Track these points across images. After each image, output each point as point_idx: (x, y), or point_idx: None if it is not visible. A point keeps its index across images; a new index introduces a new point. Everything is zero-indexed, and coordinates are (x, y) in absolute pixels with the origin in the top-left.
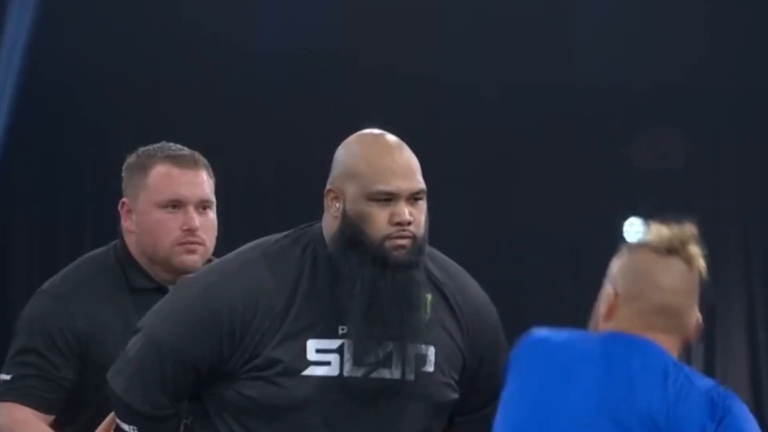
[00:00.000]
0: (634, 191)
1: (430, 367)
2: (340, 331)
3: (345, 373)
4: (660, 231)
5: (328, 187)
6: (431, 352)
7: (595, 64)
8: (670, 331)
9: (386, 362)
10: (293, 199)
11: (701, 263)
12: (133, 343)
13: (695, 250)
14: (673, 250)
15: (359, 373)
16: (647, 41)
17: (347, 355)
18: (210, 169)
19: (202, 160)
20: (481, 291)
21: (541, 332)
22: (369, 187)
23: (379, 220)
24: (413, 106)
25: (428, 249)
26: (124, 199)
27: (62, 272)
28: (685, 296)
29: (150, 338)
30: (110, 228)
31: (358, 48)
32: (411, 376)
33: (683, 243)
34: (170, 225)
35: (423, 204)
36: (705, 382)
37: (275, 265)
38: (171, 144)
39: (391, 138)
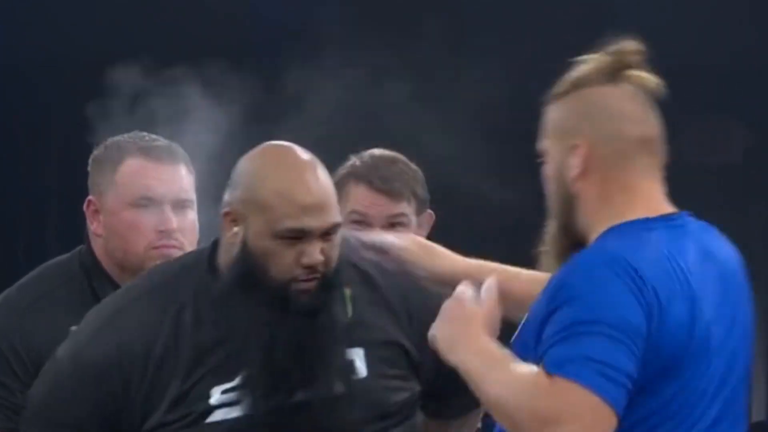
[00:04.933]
0: (686, 188)
1: (362, 373)
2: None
3: (260, 408)
4: (598, 60)
5: (226, 208)
6: (360, 355)
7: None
8: (657, 169)
9: (307, 381)
10: None
11: (651, 80)
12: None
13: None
14: (619, 76)
15: (277, 402)
16: (698, 18)
17: (258, 388)
18: (190, 162)
19: (181, 152)
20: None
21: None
22: (276, 223)
23: (286, 260)
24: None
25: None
26: (90, 198)
27: (20, 283)
28: (656, 123)
29: (29, 400)
30: (78, 230)
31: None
32: (340, 389)
33: (626, 64)
34: (143, 226)
35: (337, 237)
36: None
37: (161, 302)
38: (144, 134)
39: (304, 158)
